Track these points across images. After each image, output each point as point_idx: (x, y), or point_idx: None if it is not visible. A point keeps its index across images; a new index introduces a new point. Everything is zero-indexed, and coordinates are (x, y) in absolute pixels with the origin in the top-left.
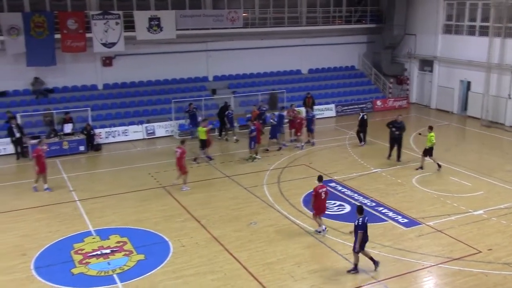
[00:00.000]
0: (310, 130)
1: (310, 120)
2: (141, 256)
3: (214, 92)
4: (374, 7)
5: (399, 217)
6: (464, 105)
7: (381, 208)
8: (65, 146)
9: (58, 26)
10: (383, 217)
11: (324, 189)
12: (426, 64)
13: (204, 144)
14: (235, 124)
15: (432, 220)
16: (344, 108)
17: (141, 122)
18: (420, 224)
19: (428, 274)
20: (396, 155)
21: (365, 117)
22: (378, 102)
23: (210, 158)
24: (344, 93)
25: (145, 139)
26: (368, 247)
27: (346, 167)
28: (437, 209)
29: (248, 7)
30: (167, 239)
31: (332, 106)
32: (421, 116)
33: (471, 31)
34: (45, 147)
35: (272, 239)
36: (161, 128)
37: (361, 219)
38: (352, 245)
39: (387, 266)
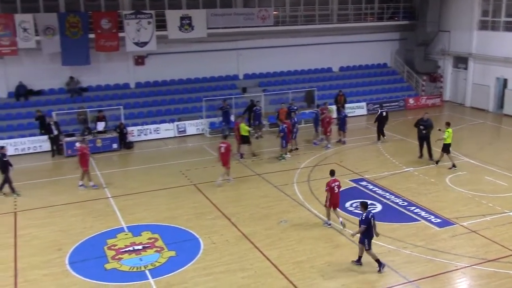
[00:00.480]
0: (342, 129)
1: (343, 120)
2: (172, 253)
3: (244, 90)
4: (407, 4)
5: (432, 217)
6: (500, 103)
7: (413, 208)
8: (99, 143)
9: (92, 26)
10: (415, 216)
11: (337, 183)
12: (461, 61)
13: (247, 140)
14: (264, 122)
15: (466, 220)
16: (375, 106)
17: (172, 120)
18: (453, 224)
19: (461, 276)
20: (428, 154)
21: (384, 113)
22: (411, 100)
23: (241, 156)
24: (375, 91)
25: (176, 137)
26: (400, 247)
27: (377, 166)
28: (472, 209)
29: (278, 5)
30: (197, 236)
31: (363, 104)
32: (454, 114)
33: (508, 27)
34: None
35: (302, 238)
36: (192, 126)
37: (364, 214)
38: (361, 240)
39: (420, 267)
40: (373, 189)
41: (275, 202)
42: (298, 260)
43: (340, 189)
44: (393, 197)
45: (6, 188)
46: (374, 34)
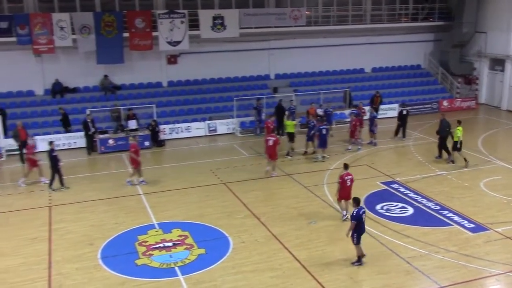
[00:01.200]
0: (371, 131)
1: (372, 121)
2: (202, 250)
3: (275, 90)
4: (442, 4)
5: (465, 221)
6: None
7: (446, 212)
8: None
9: (126, 25)
10: (448, 221)
11: (350, 177)
12: (497, 63)
13: (292, 137)
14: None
15: (501, 226)
16: (408, 108)
17: (203, 119)
18: (488, 230)
19: (495, 283)
20: (447, 154)
21: (404, 112)
22: (445, 103)
23: (287, 154)
24: (408, 93)
25: (207, 136)
26: (431, 252)
27: (410, 169)
28: (507, 215)
29: (311, 5)
30: (227, 234)
31: (396, 106)
32: (490, 117)
33: None
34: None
35: (332, 239)
36: (222, 126)
37: (356, 210)
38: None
39: (452, 272)
40: (405, 192)
41: (305, 202)
42: (328, 261)
43: (353, 183)
44: (425, 200)
45: (56, 184)
46: (408, 35)
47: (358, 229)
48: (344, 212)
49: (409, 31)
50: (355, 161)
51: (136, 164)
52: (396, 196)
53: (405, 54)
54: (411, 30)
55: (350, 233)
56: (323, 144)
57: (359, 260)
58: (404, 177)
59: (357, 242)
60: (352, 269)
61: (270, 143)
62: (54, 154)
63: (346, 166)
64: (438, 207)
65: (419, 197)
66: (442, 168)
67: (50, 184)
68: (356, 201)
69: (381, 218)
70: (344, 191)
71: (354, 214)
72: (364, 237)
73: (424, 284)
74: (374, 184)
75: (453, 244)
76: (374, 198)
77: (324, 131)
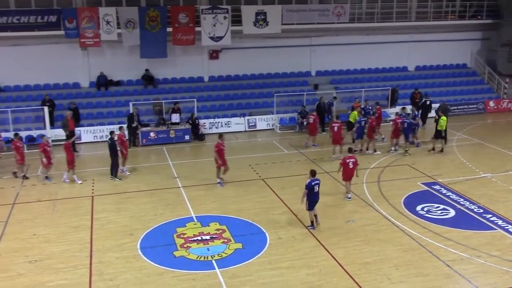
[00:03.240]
0: (406, 135)
1: (410, 124)
2: (239, 245)
3: (316, 87)
4: (491, 1)
5: (510, 226)
6: None
7: (489, 216)
8: (172, 134)
9: (170, 20)
10: (491, 225)
11: (352, 160)
12: None
13: (351, 127)
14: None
15: None
16: (452, 108)
17: (243, 115)
18: None
19: None
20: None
21: (428, 102)
22: (491, 103)
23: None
24: (453, 93)
25: (247, 131)
26: (473, 256)
27: (452, 170)
28: None
29: (355, 1)
30: (264, 230)
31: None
32: None
33: None
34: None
35: (370, 239)
36: (262, 121)
37: (308, 181)
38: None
39: (493, 278)
40: (447, 194)
41: (343, 201)
42: (365, 261)
43: (356, 166)
44: (468, 203)
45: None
46: (454, 33)
47: (310, 197)
48: (348, 195)
49: (455, 29)
50: (395, 161)
51: (223, 161)
52: (438, 198)
53: (451, 53)
54: (458, 28)
55: (304, 200)
56: (360, 135)
57: (312, 225)
58: (446, 178)
59: (309, 208)
60: (390, 271)
61: (335, 129)
62: (114, 144)
63: (350, 150)
64: (481, 210)
65: (462, 200)
66: (487, 170)
67: (112, 172)
68: (312, 173)
69: (421, 220)
70: (346, 173)
71: (307, 184)
72: (402, 238)
73: None
74: (415, 185)
75: (496, 248)
76: (415, 199)
77: (363, 123)
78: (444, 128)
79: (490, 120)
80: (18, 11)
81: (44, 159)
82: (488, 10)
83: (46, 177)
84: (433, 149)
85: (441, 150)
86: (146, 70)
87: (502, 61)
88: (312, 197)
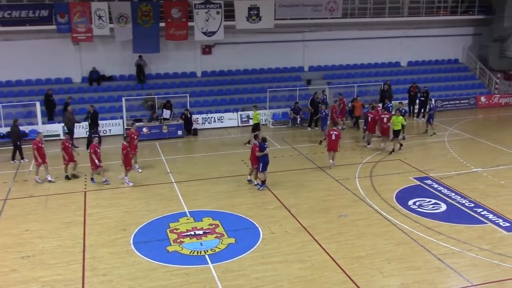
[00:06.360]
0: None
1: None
2: (232, 240)
3: (309, 82)
4: None
5: (500, 220)
6: None
7: (480, 210)
8: (165, 130)
9: (163, 15)
10: (482, 219)
11: (335, 132)
12: None
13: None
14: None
15: None
16: (444, 103)
17: (236, 110)
18: None
19: None
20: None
21: (423, 98)
22: (482, 98)
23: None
24: (445, 88)
25: (239, 126)
26: (464, 249)
27: (444, 165)
28: None
29: None
30: (257, 225)
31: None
32: None
33: None
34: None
35: (362, 233)
36: None
37: (261, 143)
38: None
39: (484, 271)
40: (438, 188)
41: (336, 195)
42: (357, 255)
43: (339, 139)
44: (459, 197)
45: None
46: (446, 29)
47: (262, 160)
48: (331, 161)
49: (447, 25)
50: (387, 156)
51: (255, 163)
52: (429, 192)
53: (443, 48)
54: (450, 24)
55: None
56: (323, 127)
57: (263, 183)
58: (437, 173)
59: (262, 169)
60: (382, 264)
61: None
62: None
63: (335, 124)
64: (472, 205)
65: (453, 194)
66: (478, 165)
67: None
68: (263, 139)
69: (413, 214)
70: (330, 143)
71: (260, 147)
72: (394, 232)
73: (456, 281)
74: (407, 180)
75: (487, 242)
76: (407, 194)
77: (323, 114)
78: (400, 128)
79: (481, 115)
80: (10, 6)
81: (39, 158)
82: (480, 6)
83: (50, 181)
84: (393, 150)
85: (393, 150)
86: (140, 56)
87: (493, 57)
88: (265, 159)
